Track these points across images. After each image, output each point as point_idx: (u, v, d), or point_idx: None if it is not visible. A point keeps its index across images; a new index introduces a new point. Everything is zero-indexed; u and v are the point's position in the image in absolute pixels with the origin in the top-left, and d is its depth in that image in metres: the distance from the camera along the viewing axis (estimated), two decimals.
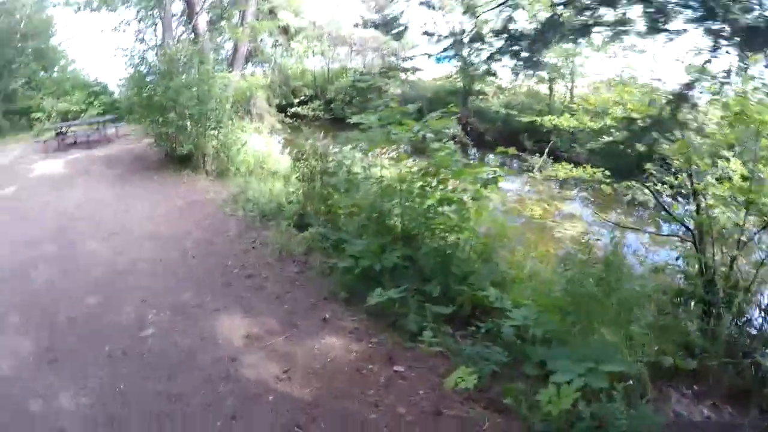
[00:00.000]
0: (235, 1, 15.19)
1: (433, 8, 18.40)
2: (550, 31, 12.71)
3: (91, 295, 5.17)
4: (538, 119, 12.48)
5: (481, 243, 5.34)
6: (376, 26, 20.42)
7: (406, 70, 20.42)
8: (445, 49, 18.53)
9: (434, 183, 5.11)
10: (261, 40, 17.09)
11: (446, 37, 17.94)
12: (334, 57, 19.08)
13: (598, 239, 6.36)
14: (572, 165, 8.89)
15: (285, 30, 16.19)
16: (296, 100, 18.23)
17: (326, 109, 18.15)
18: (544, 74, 15.48)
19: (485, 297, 4.28)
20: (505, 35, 15.34)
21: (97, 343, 4.25)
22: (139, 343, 4.26)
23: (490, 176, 4.98)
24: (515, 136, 13.86)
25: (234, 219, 7.42)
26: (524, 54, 14.77)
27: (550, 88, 15.99)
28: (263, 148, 10.80)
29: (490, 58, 16.22)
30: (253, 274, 5.60)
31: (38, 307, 4.98)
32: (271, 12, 15.96)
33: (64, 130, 12.97)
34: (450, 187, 5.10)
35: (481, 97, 17.59)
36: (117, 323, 4.62)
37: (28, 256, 6.27)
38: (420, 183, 5.20)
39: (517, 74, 15.83)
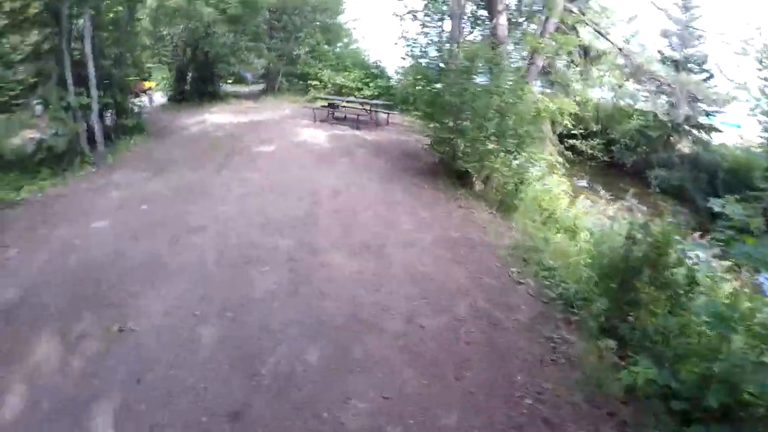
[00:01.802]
0: (543, 5, 13.34)
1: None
2: None
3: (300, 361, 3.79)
4: None
5: None
6: (676, 66, 16.76)
7: (701, 127, 16.35)
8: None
9: None
10: (558, 56, 15.05)
11: None
12: (624, 92, 16.03)
13: None
14: None
15: (586, 51, 13.86)
16: (575, 132, 15.72)
17: (605, 149, 15.34)
18: None
19: None
20: None
21: None
22: None
23: None
24: None
25: (523, 289, 5.34)
26: None
27: None
28: (555, 188, 8.69)
29: None
30: (552, 421, 3.43)
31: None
32: (573, 28, 13.82)
33: (336, 103, 12.94)
34: None
35: None
36: None
37: (258, 250, 5.48)
38: None
39: None
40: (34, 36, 10.40)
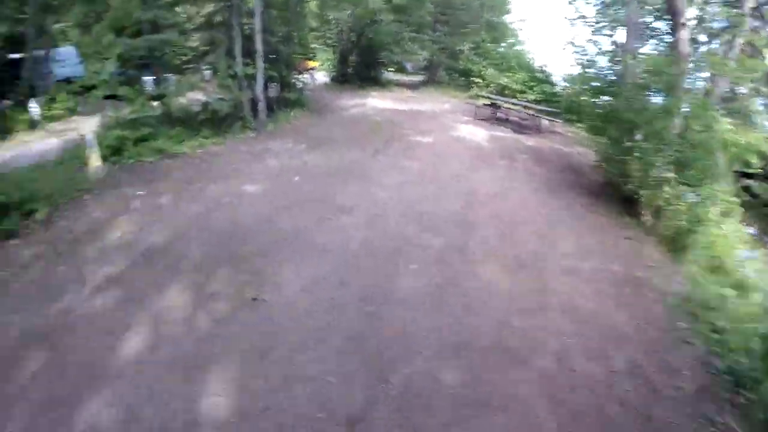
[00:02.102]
0: (729, 23, 11.18)
1: None
2: None
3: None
4: None
5: None
6: None
7: None
8: None
9: None
10: (743, 82, 12.57)
11: None
12: None
13: None
14: None
15: None
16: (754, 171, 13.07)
17: None
18: None
19: None
20: None
21: None
22: None
23: None
24: None
25: (690, 351, 4.20)
26: None
27: None
28: (731, 234, 7.17)
29: None
30: None
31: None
32: (760, 52, 11.34)
33: (498, 103, 12.35)
34: None
35: None
36: None
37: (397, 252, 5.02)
38: None
39: None
40: (208, 8, 11.55)
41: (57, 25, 20.21)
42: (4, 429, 3.03)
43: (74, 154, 8.22)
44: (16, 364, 3.58)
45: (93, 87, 12.97)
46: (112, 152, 8.38)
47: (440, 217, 6.06)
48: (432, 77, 18.57)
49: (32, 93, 15.65)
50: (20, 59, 15.74)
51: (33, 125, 14.32)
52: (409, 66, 21.00)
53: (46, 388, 3.32)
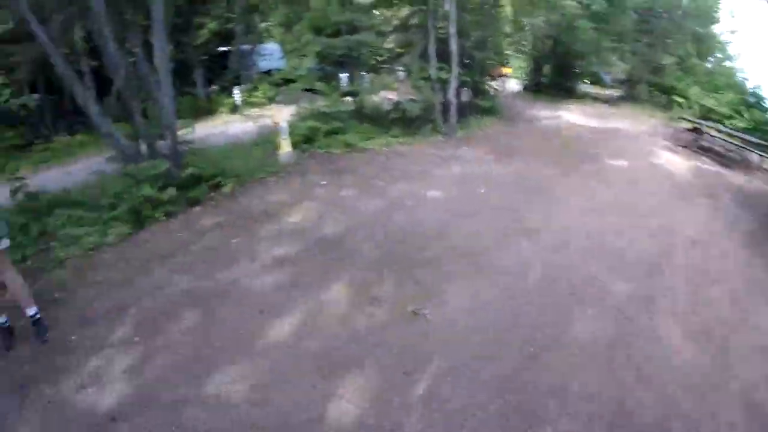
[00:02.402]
0: None
1: None
2: None
3: None
4: None
5: None
6: None
7: None
8: None
9: None
10: None
11: None
12: None
13: None
14: None
15: None
16: None
17: None
18: None
19: None
20: None
21: None
22: None
23: None
24: None
25: None
26: None
27: None
28: None
29: None
30: None
31: None
32: None
33: (702, 129, 10.73)
34: None
35: None
36: None
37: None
38: None
39: None
40: (404, 11, 11.78)
41: (263, 24, 22.89)
42: (141, 374, 3.28)
43: (267, 138, 8.91)
44: (172, 318, 3.90)
45: (292, 80, 14.29)
46: (304, 140, 8.97)
47: (627, 257, 5.17)
48: (630, 93, 16.83)
49: (237, 82, 17.89)
50: (228, 52, 18.06)
51: (234, 110, 16.32)
52: (607, 78, 19.39)
53: (190, 346, 3.52)
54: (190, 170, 6.77)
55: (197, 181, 6.82)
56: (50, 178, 7.57)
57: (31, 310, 3.81)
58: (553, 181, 7.60)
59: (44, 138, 11.70)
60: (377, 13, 12.73)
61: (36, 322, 3.82)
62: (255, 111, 16.64)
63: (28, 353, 3.66)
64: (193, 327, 3.82)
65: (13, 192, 6.39)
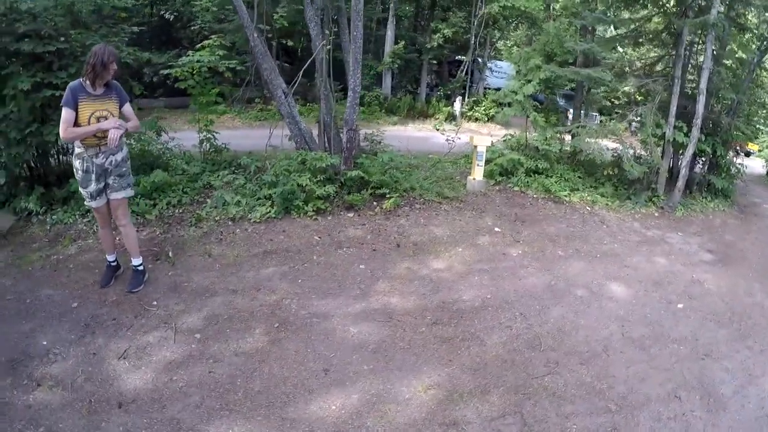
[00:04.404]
0: None
1: None
2: None
3: None
4: None
5: None
6: None
7: None
8: None
9: None
10: None
11: None
12: None
13: None
14: None
15: None
16: None
17: None
18: None
19: None
20: None
21: None
22: None
23: None
24: None
25: None
26: None
27: None
28: None
29: None
30: None
31: None
32: None
33: None
34: None
35: None
36: None
37: None
38: None
39: None
40: (651, 54, 10.02)
41: (501, 42, 22.83)
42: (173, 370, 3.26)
43: (469, 158, 8.62)
44: (234, 330, 3.86)
45: (508, 104, 13.88)
46: (500, 172, 8.45)
47: None
48: None
49: (462, 93, 18.21)
50: (460, 61, 18.47)
51: (452, 118, 16.61)
52: None
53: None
54: (356, 172, 6.39)
55: (361, 186, 6.53)
56: (236, 135, 8.68)
57: (136, 261, 4.16)
58: None
59: (264, 99, 13.53)
60: (621, 49, 11.42)
61: (136, 272, 4.15)
62: (471, 125, 16.78)
63: (113, 298, 4.03)
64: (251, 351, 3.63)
65: (201, 142, 7.28)
